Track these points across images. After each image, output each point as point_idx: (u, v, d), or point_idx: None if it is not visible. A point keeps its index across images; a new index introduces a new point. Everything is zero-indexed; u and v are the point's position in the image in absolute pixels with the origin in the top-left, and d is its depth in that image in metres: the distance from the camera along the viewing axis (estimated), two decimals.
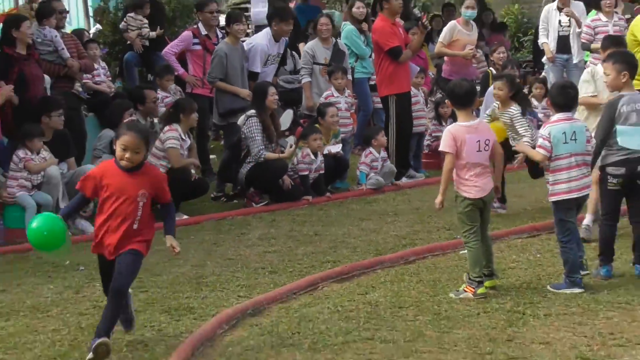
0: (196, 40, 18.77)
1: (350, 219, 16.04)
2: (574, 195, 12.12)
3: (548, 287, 12.06)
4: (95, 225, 8.19)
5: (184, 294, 12.45)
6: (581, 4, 23.95)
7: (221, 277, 13.26)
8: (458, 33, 21.71)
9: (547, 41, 23.23)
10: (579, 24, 22.67)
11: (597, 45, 18.98)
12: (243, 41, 19.52)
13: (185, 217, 16.83)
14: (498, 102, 15.26)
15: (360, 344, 10.22)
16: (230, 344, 10.41)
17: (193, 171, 17.02)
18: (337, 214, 16.83)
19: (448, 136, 12.34)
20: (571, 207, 12.18)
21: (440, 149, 12.35)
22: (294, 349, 10.14)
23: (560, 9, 22.85)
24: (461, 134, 12.28)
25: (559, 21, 22.86)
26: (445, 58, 22.13)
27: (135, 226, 7.95)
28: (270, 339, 10.55)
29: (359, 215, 16.39)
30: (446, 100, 14.97)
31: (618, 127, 12.35)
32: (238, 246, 14.81)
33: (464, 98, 12.95)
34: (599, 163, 12.73)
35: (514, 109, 14.99)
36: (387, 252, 14.24)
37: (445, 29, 22.20)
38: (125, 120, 17.09)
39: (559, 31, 22.92)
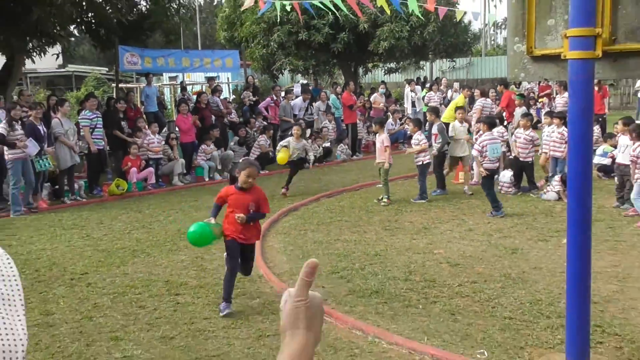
0: (272, 102, 18.53)
1: (332, 172, 15.96)
2: (428, 161, 12.02)
3: (411, 200, 11.95)
4: (224, 223, 6.57)
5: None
6: (419, 87, 23.66)
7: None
8: (377, 98, 21.51)
9: (406, 105, 22.74)
10: (416, 93, 22.47)
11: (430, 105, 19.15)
12: (291, 100, 19.42)
13: (267, 171, 16.23)
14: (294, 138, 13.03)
15: (337, 222, 10.45)
16: (284, 222, 10.58)
17: (270, 154, 16.96)
18: (328, 171, 16.47)
19: (388, 140, 12.08)
20: (428, 167, 12.11)
21: (387, 144, 11.83)
22: (309, 224, 10.34)
23: (411, 90, 22.64)
24: (388, 137, 12.28)
25: (410, 95, 22.58)
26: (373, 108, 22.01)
27: (252, 223, 6.56)
28: (301, 220, 10.72)
29: (336, 171, 16.26)
30: (374, 125, 14.36)
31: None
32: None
33: (384, 124, 12.96)
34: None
35: (306, 142, 13.33)
36: (347, 185, 13.77)
37: (372, 97, 21.96)
38: (237, 138, 17.30)
39: (411, 98, 22.61)
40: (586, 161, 5.09)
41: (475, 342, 5.53)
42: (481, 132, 11.58)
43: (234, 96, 22.93)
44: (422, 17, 20.99)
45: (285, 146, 12.69)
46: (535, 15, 5.43)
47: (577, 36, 4.88)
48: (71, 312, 6.57)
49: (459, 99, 17.89)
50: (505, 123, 15.63)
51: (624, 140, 10.82)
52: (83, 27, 16.84)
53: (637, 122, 11.70)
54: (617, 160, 10.96)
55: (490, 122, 11.44)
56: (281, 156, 12.56)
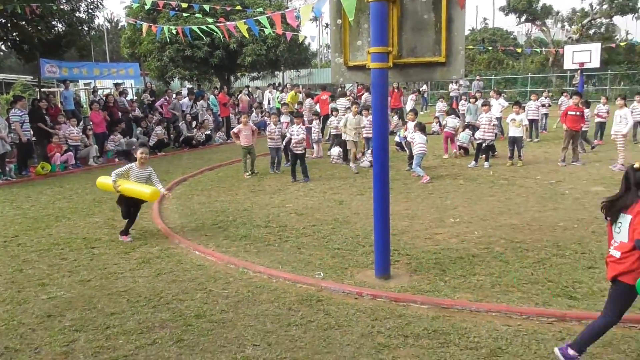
0: (165, 101, 17.35)
1: (212, 152, 15.25)
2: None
3: (302, 179, 11.79)
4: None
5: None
6: (275, 90, 22.96)
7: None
8: (243, 97, 20.90)
9: (264, 102, 20.68)
10: (272, 94, 21.79)
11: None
12: (180, 100, 18.39)
13: (163, 153, 15.46)
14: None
15: (216, 188, 10.17)
16: (176, 190, 10.09)
17: (165, 140, 16.04)
18: (209, 152, 15.60)
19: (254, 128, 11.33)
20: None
21: (254, 130, 11.33)
22: (195, 190, 9.92)
23: (269, 92, 21.89)
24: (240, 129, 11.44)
25: (268, 96, 21.54)
26: (240, 105, 21.25)
27: None
28: (189, 188, 10.29)
29: (215, 151, 15.51)
30: (242, 117, 13.04)
31: None
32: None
33: (250, 116, 11.75)
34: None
35: (152, 169, 6.83)
36: (224, 161, 13.11)
37: (239, 97, 21.33)
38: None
39: (268, 98, 21.55)
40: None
41: (315, 266, 5.63)
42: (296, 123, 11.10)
43: (136, 97, 21.63)
44: (274, 40, 20.87)
45: (122, 174, 6.82)
46: (348, 38, 5.53)
47: (376, 53, 5.02)
48: (4, 267, 5.92)
49: (290, 95, 18.16)
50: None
51: (411, 125, 11.37)
52: (9, 43, 15.34)
53: (420, 113, 12.26)
54: (408, 139, 11.49)
55: (299, 115, 11.32)
56: (101, 182, 7.16)
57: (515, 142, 11.46)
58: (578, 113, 11.37)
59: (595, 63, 22.34)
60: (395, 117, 17.99)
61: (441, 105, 19.06)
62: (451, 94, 25.81)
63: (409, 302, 4.62)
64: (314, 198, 9.02)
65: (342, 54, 5.58)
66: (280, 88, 22.82)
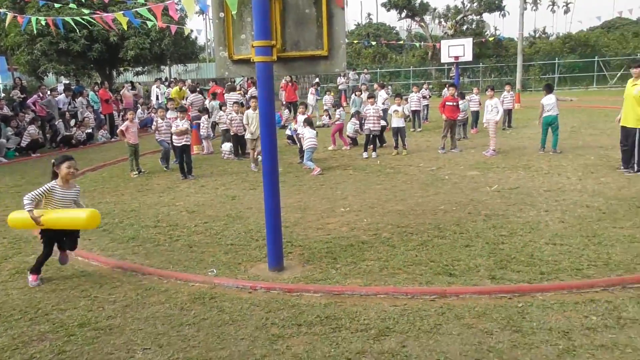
0: (38, 98, 16.18)
1: (95, 152, 14.34)
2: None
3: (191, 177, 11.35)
4: None
5: None
6: (163, 86, 22.38)
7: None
8: (125, 93, 19.88)
9: (152, 98, 19.78)
10: (160, 89, 21.02)
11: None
12: (56, 97, 17.04)
13: (38, 154, 14.00)
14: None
15: (99, 189, 9.61)
16: None
17: (40, 140, 14.77)
18: (91, 151, 14.82)
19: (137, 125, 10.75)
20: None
21: (138, 128, 10.81)
22: None
23: (157, 87, 21.02)
24: (128, 126, 10.71)
25: (156, 91, 20.75)
26: (124, 101, 20.20)
27: None
28: None
29: (97, 151, 14.66)
30: (128, 114, 12.45)
31: None
32: None
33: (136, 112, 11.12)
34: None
35: (78, 187, 5.20)
36: (108, 161, 12.52)
37: (121, 92, 20.30)
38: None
39: (156, 93, 20.80)
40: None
41: (207, 264, 5.54)
42: (180, 117, 10.67)
43: (4, 94, 19.74)
44: (158, 33, 20.04)
45: (39, 198, 4.98)
46: (232, 32, 5.48)
47: (260, 46, 5.03)
48: None
49: (174, 91, 17.71)
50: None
51: (301, 118, 11.52)
52: None
53: (310, 107, 12.43)
54: (298, 132, 11.62)
55: (183, 109, 10.95)
56: (15, 218, 5.11)
57: (399, 132, 12.05)
58: (454, 103, 12.21)
59: (469, 57, 24.04)
60: (287, 112, 18.13)
61: (328, 99, 19.52)
62: (339, 87, 26.50)
63: (302, 291, 4.70)
64: (206, 195, 8.86)
65: (227, 48, 5.52)
66: (167, 83, 22.02)
